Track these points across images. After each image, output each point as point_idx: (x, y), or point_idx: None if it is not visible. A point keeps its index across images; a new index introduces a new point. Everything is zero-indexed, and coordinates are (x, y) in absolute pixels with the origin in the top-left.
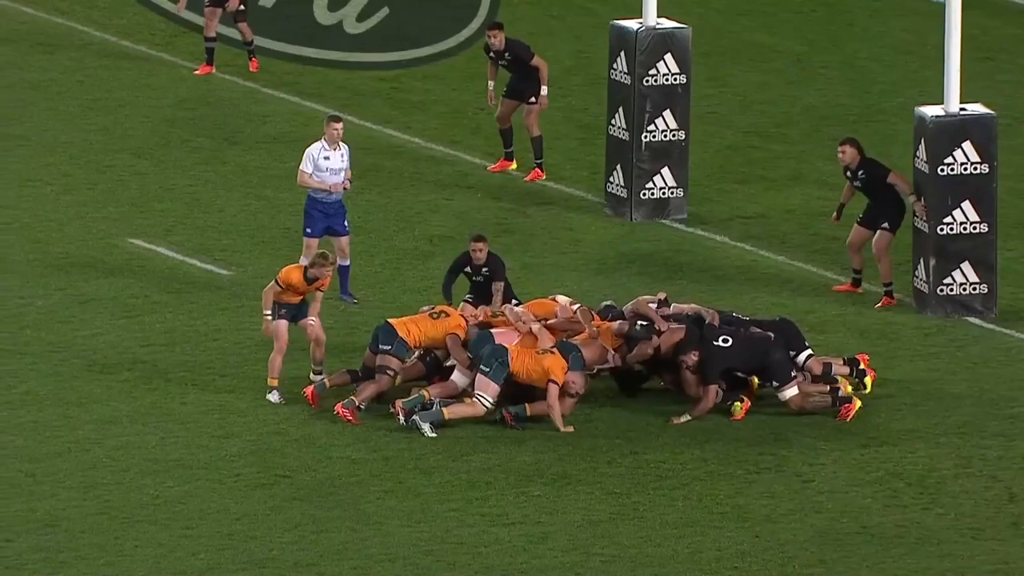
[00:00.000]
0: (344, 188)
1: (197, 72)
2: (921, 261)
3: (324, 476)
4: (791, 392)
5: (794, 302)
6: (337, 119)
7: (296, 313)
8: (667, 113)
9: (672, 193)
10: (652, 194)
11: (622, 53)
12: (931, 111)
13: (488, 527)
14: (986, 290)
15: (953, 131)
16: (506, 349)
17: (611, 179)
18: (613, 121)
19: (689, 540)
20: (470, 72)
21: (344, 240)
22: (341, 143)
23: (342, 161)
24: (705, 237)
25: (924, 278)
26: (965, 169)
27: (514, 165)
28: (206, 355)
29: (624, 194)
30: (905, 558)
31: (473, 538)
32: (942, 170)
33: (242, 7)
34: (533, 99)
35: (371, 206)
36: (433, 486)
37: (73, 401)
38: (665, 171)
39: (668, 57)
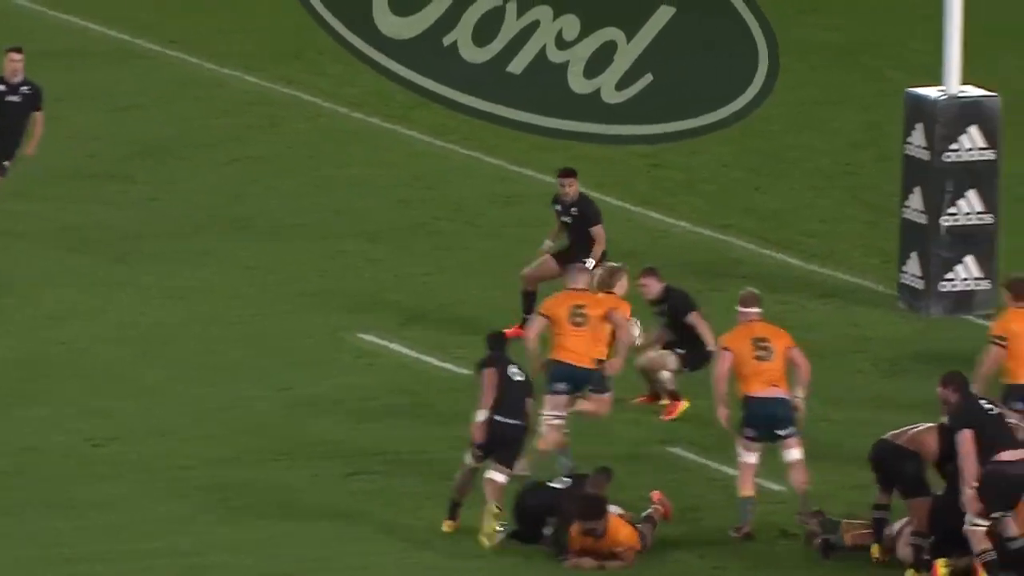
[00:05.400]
0: None
1: None
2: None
3: None
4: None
5: None
6: None
7: None
8: (972, 193)
9: (977, 285)
10: (954, 286)
11: (919, 124)
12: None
13: None
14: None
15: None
16: None
17: (905, 268)
18: (908, 202)
19: None
20: (743, 147)
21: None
22: None
23: None
24: None
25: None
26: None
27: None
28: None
29: (921, 285)
30: None
31: None
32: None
33: None
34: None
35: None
36: None
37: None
38: (969, 259)
39: (973, 129)
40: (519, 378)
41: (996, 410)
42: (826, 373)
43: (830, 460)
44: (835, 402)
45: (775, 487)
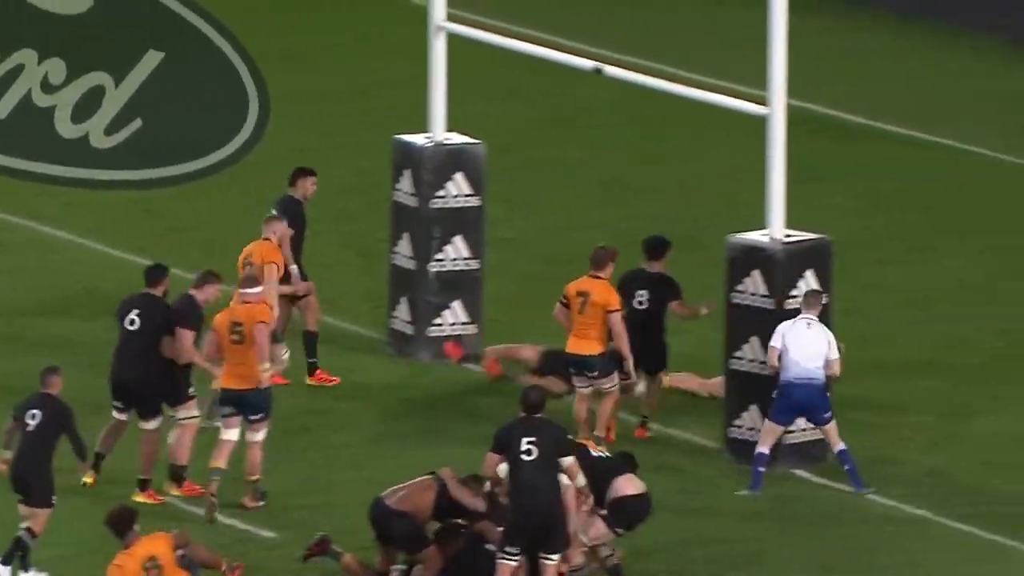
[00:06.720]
0: None
1: None
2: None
3: None
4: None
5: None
6: None
7: None
8: (459, 239)
9: (464, 329)
10: (442, 331)
11: (407, 171)
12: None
13: None
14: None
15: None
16: None
17: (395, 313)
18: (397, 248)
19: None
20: (241, 191)
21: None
22: None
23: None
24: (508, 380)
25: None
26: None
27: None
28: None
29: (410, 331)
30: None
31: None
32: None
33: None
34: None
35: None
36: None
37: None
38: (456, 304)
39: (459, 176)
40: (132, 328)
41: (533, 457)
42: (322, 418)
43: (332, 502)
44: (334, 449)
45: (266, 533)
